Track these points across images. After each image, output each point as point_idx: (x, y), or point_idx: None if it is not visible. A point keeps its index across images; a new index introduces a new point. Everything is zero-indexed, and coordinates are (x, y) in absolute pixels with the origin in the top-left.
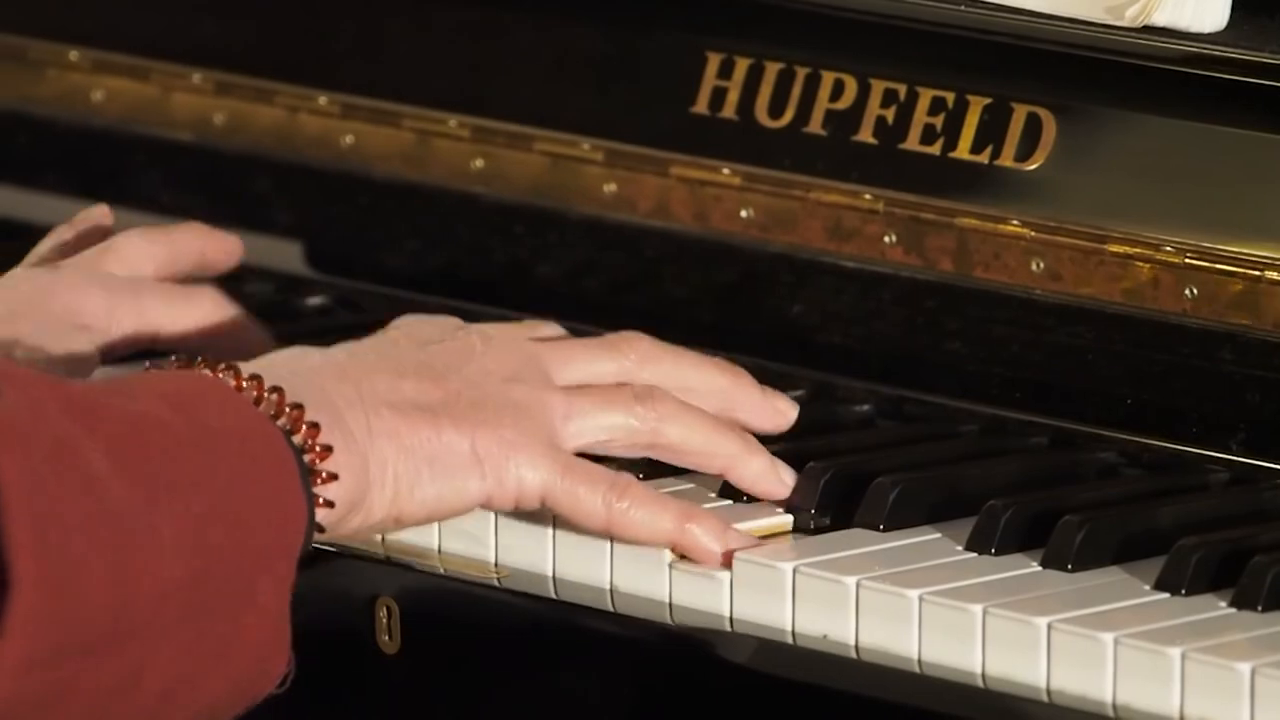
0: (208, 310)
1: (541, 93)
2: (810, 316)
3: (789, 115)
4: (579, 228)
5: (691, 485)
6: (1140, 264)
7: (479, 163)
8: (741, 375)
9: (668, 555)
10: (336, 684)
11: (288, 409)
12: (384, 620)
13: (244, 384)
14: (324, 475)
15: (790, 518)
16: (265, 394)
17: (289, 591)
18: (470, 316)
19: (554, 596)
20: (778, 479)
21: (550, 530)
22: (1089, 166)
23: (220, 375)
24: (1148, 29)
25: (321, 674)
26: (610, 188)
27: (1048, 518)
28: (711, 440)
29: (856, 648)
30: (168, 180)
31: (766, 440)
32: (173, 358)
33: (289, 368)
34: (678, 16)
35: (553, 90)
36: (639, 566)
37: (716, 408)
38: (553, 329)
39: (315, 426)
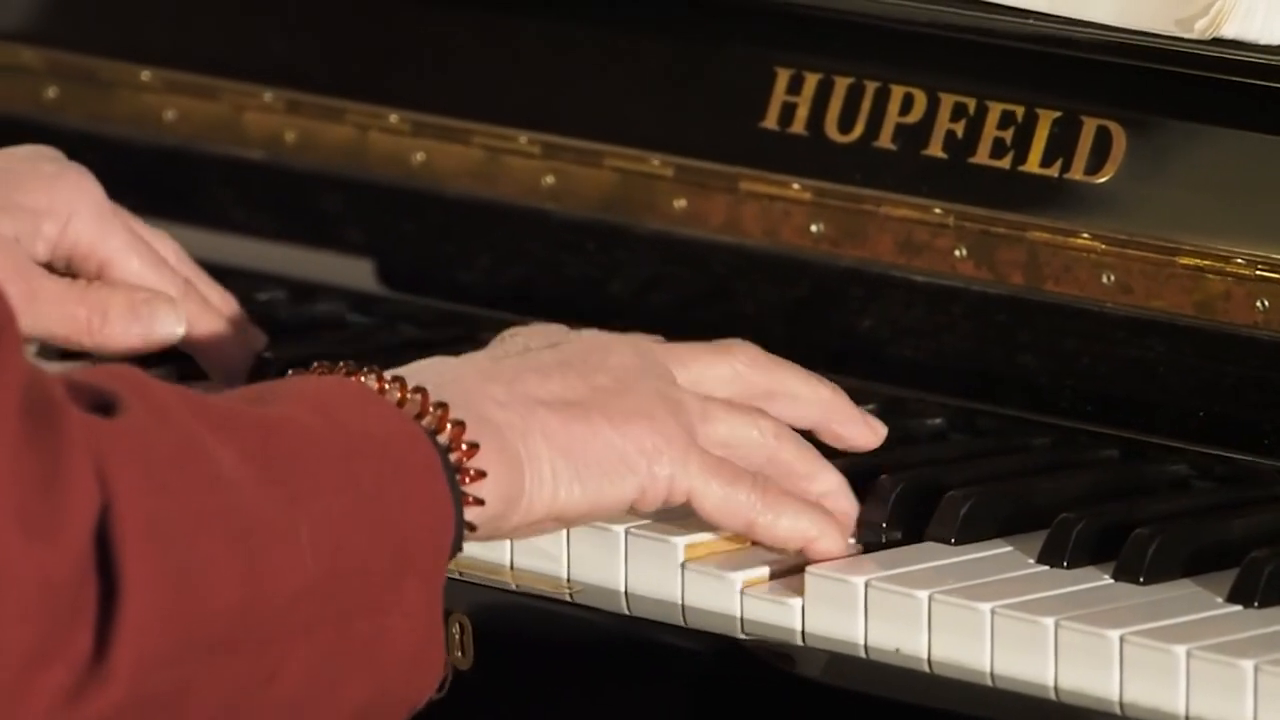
0: (171, 287)
1: (611, 108)
2: (881, 330)
3: (859, 130)
4: (649, 243)
5: None
6: (1211, 277)
7: (549, 179)
8: (839, 391)
9: (739, 580)
10: None
11: (432, 409)
12: (457, 636)
13: (386, 386)
14: (472, 473)
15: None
16: (409, 395)
17: (440, 593)
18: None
19: (626, 612)
20: (820, 514)
21: (622, 546)
22: (1159, 179)
23: (363, 378)
24: (1217, 41)
25: None
26: (680, 203)
27: (1119, 530)
28: (817, 465)
29: (929, 661)
30: (239, 199)
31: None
32: (315, 364)
33: (432, 371)
34: (747, 32)
35: (622, 106)
36: (710, 582)
37: (817, 418)
38: (747, 353)
39: (460, 425)
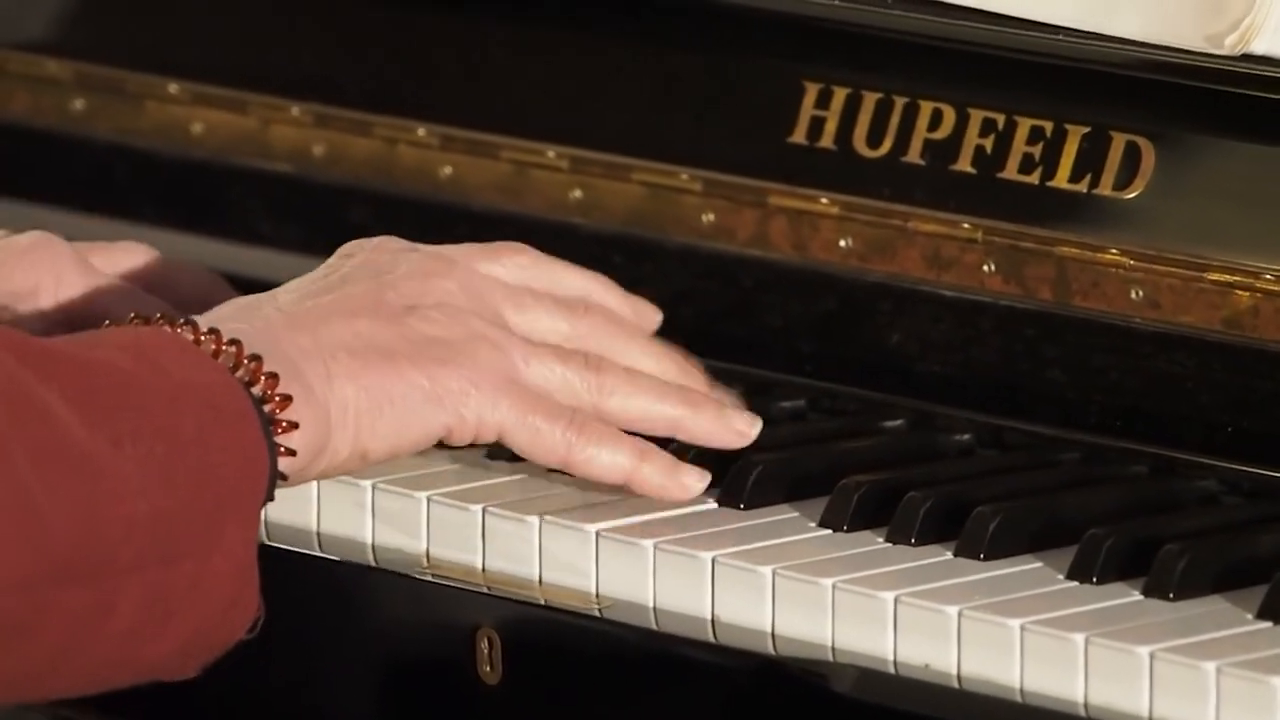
0: (143, 262)
1: (639, 122)
2: (909, 345)
3: (887, 145)
4: (677, 257)
5: None
6: (1240, 292)
7: (577, 193)
8: (691, 370)
9: (768, 585)
10: (438, 714)
11: (246, 361)
12: (485, 650)
13: (202, 338)
14: (284, 424)
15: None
16: (224, 347)
17: (255, 538)
18: None
19: (655, 627)
20: (729, 428)
21: (651, 561)
22: (1188, 195)
23: (179, 330)
24: (1246, 57)
25: (423, 704)
26: (708, 217)
27: (1149, 546)
28: (651, 410)
29: (958, 677)
30: (266, 212)
31: (867, 468)
32: (131, 315)
33: (244, 321)
34: (775, 46)
35: (650, 120)
36: (741, 596)
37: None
38: (522, 253)
39: (274, 377)
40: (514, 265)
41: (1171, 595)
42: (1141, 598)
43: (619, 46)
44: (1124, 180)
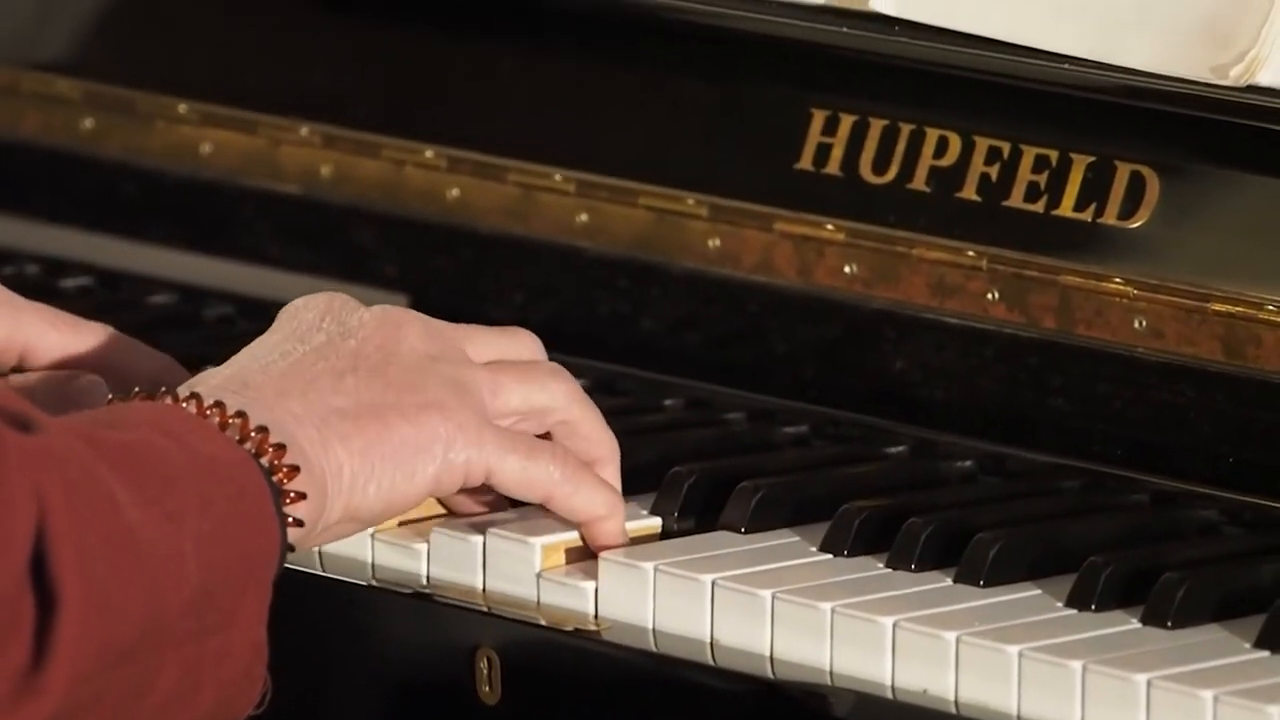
0: (92, 331)
1: (646, 147)
2: (913, 373)
3: (893, 172)
4: (682, 282)
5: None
6: (1242, 323)
7: (583, 217)
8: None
9: (768, 609)
10: None
11: (253, 433)
12: (484, 671)
13: (208, 411)
14: (292, 495)
15: (658, 520)
16: (230, 419)
17: (266, 609)
18: (575, 370)
19: (654, 649)
20: (615, 494)
21: (651, 583)
22: (1192, 225)
23: (184, 404)
24: (1252, 88)
25: None
26: (714, 242)
27: (1148, 575)
28: (600, 430)
29: (956, 703)
30: (274, 232)
31: (869, 494)
32: (135, 390)
33: (242, 394)
34: (782, 73)
35: (657, 145)
36: (740, 619)
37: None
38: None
39: (281, 448)
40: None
41: (1170, 624)
42: (1140, 626)
43: (627, 71)
44: (1128, 210)
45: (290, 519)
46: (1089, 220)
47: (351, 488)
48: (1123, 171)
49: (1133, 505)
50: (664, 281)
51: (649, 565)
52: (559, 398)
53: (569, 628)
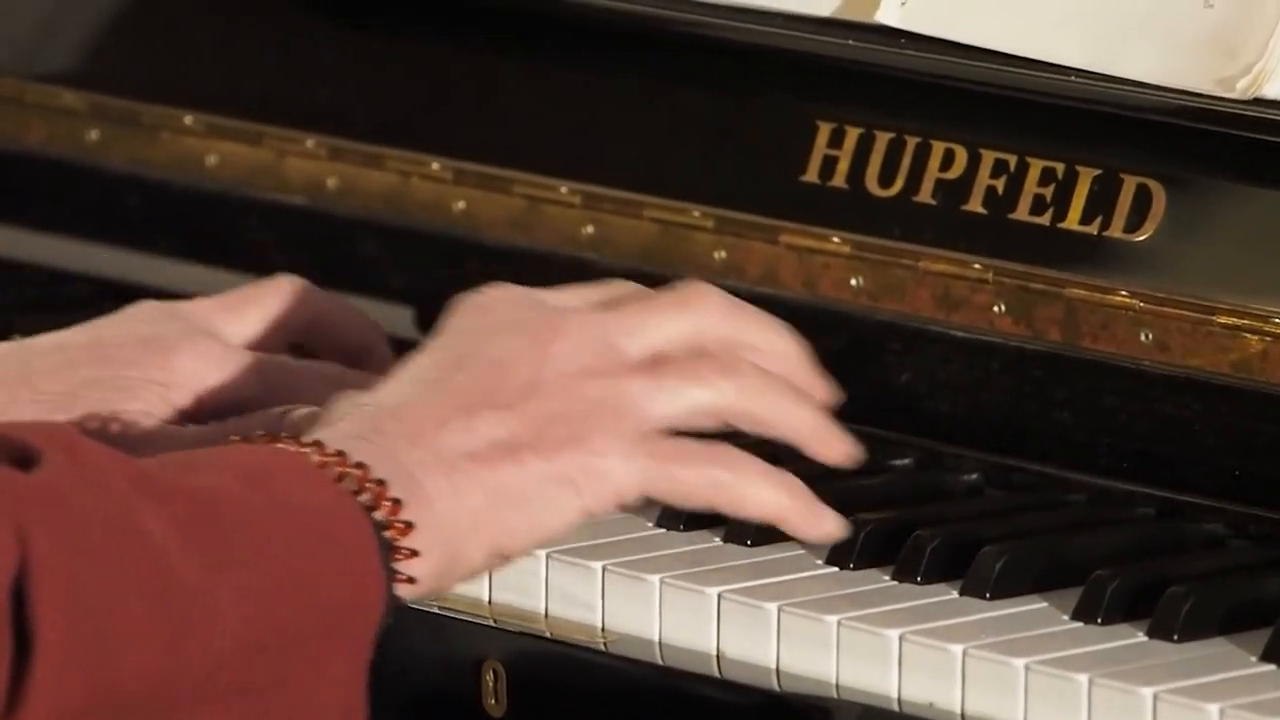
0: (294, 305)
1: (652, 159)
2: (918, 385)
3: (899, 184)
4: None
5: None
6: (1249, 336)
7: (589, 229)
8: (801, 350)
9: (773, 621)
10: None
11: (369, 485)
12: (490, 683)
13: (327, 460)
14: (405, 551)
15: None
16: (348, 469)
17: (364, 669)
18: None
19: (660, 661)
20: (843, 446)
21: (657, 595)
22: (1198, 238)
23: (304, 450)
24: (1258, 101)
25: None
26: (720, 255)
27: (1154, 588)
28: (791, 413)
29: (962, 715)
30: (280, 244)
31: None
32: (259, 432)
33: (368, 440)
34: (789, 85)
35: (663, 157)
36: (746, 632)
37: (779, 371)
38: (627, 289)
39: (397, 503)
40: (628, 295)
41: (1176, 637)
42: (1146, 639)
43: (632, 83)
44: (1134, 222)
45: (401, 575)
46: (1095, 233)
47: (491, 530)
48: (1129, 184)
49: (1139, 518)
50: None
51: (654, 578)
52: (728, 395)
53: (575, 640)
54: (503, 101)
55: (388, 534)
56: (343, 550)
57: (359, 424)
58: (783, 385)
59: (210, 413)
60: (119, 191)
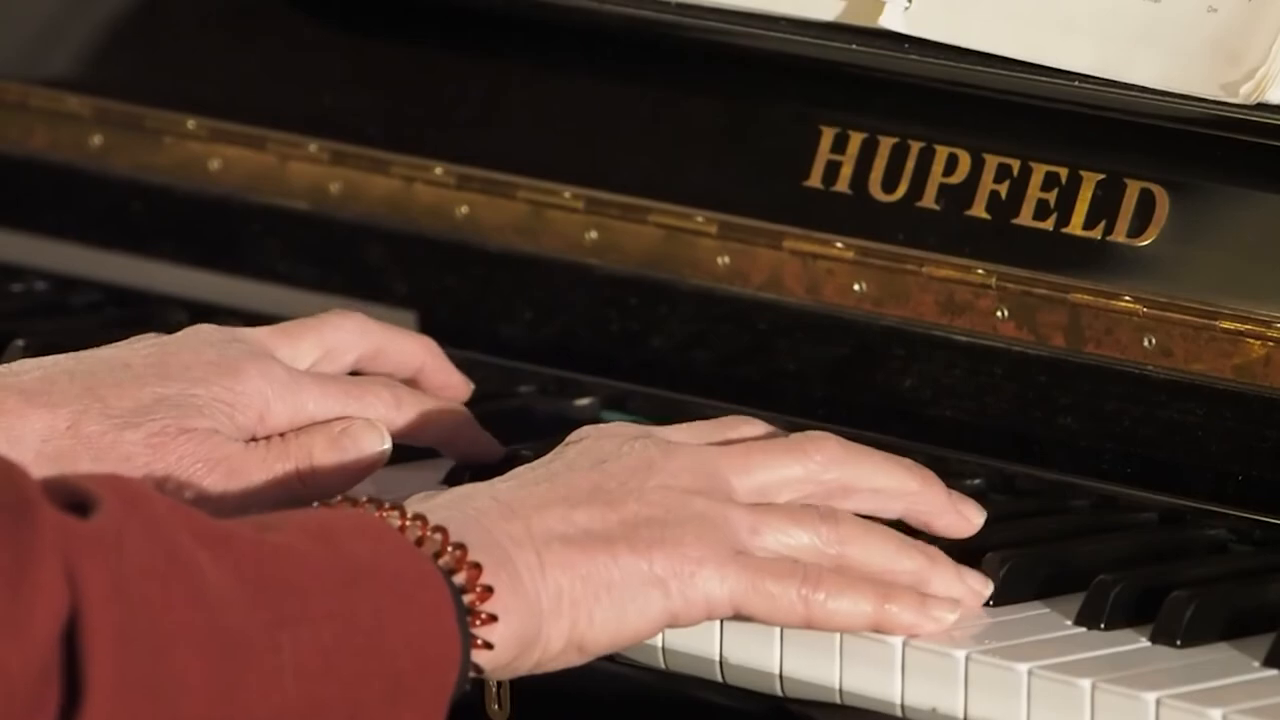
0: (371, 410)
1: (655, 165)
2: (922, 390)
3: (902, 190)
4: (691, 300)
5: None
6: (1251, 341)
7: (593, 234)
8: (930, 479)
9: (778, 631)
10: None
11: (450, 549)
12: (494, 689)
13: (408, 523)
14: (484, 616)
15: None
16: (429, 534)
17: None
18: (582, 387)
19: (663, 667)
20: (966, 588)
21: None
22: (1201, 243)
23: (384, 515)
24: (1262, 106)
25: None
26: (723, 260)
27: (1157, 593)
28: (894, 560)
29: None
30: (283, 249)
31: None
32: (338, 498)
33: (456, 509)
34: (792, 91)
35: (667, 163)
36: (748, 638)
37: (902, 511)
38: (746, 426)
39: (478, 567)
40: (745, 435)
41: (1179, 642)
42: (1149, 644)
43: (636, 88)
44: (1138, 227)
45: (479, 640)
46: (1098, 238)
47: (574, 616)
48: (1132, 189)
49: (1142, 523)
50: (673, 299)
51: None
52: (830, 542)
53: None
54: (506, 107)
55: (467, 598)
56: (418, 610)
57: (452, 497)
58: (885, 536)
59: (270, 432)
60: (122, 196)
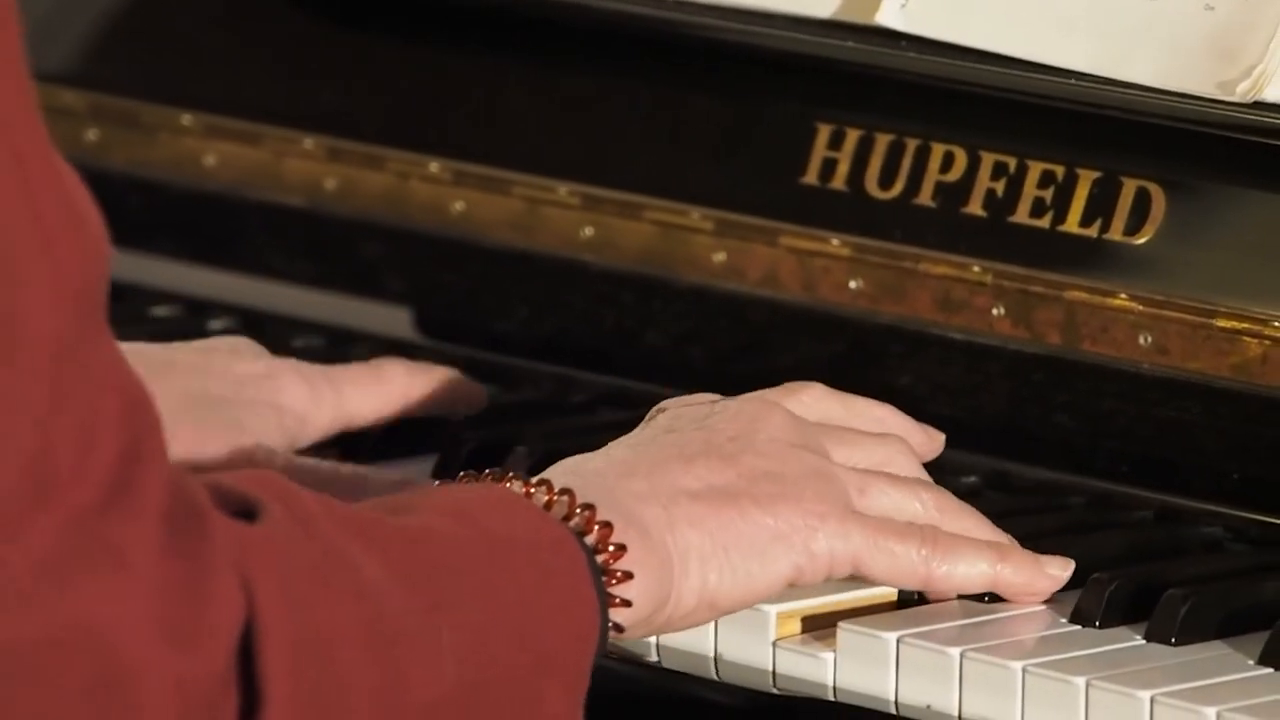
0: (401, 387)
1: (652, 162)
2: (918, 388)
3: (899, 187)
4: (687, 297)
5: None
6: (1248, 339)
7: (589, 231)
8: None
9: (771, 633)
10: None
11: (579, 510)
12: None
13: (533, 490)
14: (619, 575)
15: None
16: (555, 497)
17: (582, 696)
18: (578, 385)
19: (657, 663)
20: (1046, 575)
21: None
22: (1198, 241)
23: (509, 484)
24: (1258, 104)
25: None
26: (719, 257)
27: (1152, 591)
28: (984, 534)
29: (959, 718)
30: (278, 245)
31: None
32: (461, 474)
33: (575, 473)
34: (788, 88)
35: (663, 159)
36: (743, 635)
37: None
38: (813, 388)
39: (608, 526)
40: (811, 401)
41: (1174, 640)
42: (1144, 642)
43: (632, 85)
44: (1134, 225)
45: (616, 599)
46: (1095, 236)
47: (704, 572)
48: (1129, 187)
49: (1137, 521)
50: (669, 296)
51: None
52: (930, 507)
53: None
54: (502, 103)
55: (600, 558)
56: (556, 578)
57: (567, 464)
58: (977, 514)
59: (310, 440)
60: (117, 192)
